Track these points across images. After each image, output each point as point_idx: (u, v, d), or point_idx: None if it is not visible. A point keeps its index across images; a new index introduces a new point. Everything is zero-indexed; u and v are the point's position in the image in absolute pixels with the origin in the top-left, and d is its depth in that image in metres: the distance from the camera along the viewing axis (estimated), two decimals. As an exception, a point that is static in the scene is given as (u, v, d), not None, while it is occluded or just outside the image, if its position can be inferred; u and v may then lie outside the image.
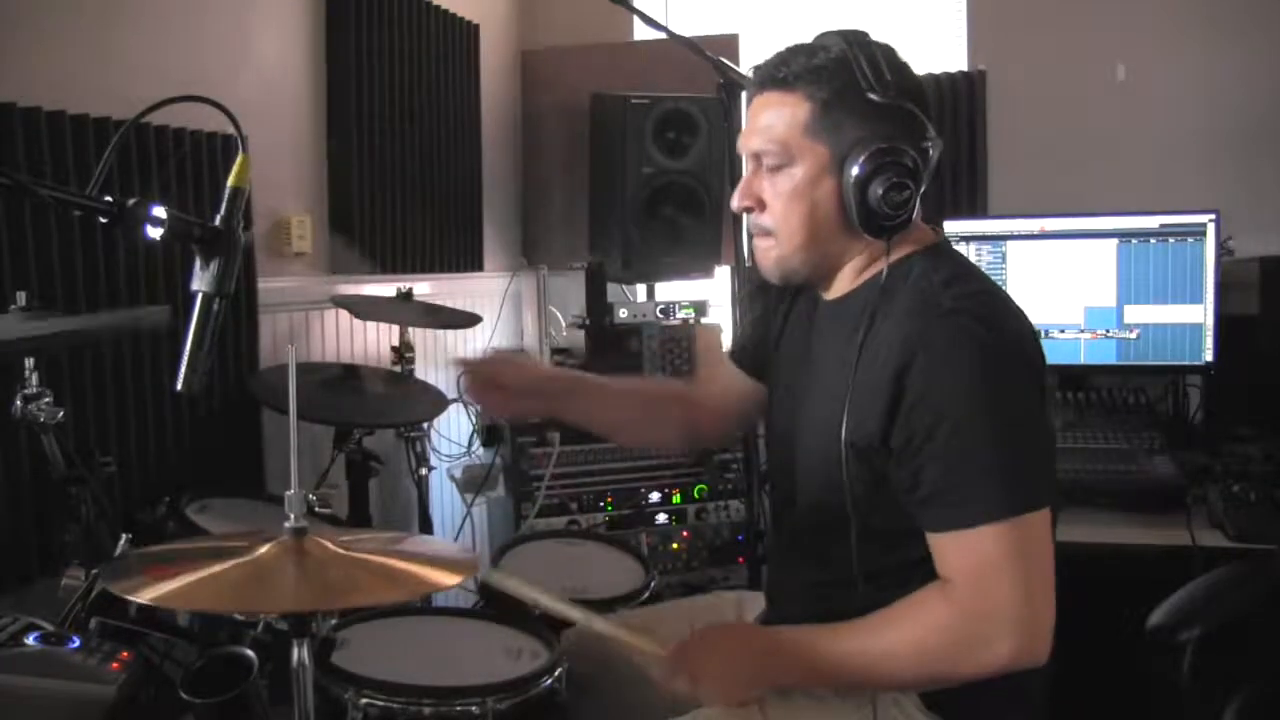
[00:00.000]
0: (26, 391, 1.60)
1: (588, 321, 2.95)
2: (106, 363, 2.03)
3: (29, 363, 1.61)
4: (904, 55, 1.37)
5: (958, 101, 3.15)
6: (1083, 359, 2.55)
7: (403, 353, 2.72)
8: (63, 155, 1.90)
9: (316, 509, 1.95)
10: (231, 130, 1.29)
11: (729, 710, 1.34)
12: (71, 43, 1.98)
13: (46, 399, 1.61)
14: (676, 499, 2.80)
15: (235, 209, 1.22)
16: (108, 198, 1.17)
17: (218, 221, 1.21)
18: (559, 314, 3.20)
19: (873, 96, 1.31)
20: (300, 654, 1.23)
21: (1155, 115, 3.00)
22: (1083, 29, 3.06)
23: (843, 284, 1.43)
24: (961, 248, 2.57)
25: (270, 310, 2.48)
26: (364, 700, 1.39)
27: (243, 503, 2.02)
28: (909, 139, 1.32)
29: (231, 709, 1.28)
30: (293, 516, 1.25)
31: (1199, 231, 2.46)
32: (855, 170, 1.31)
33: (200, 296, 1.20)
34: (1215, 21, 2.93)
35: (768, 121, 1.36)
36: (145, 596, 1.15)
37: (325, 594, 1.21)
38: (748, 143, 1.40)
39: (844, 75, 1.32)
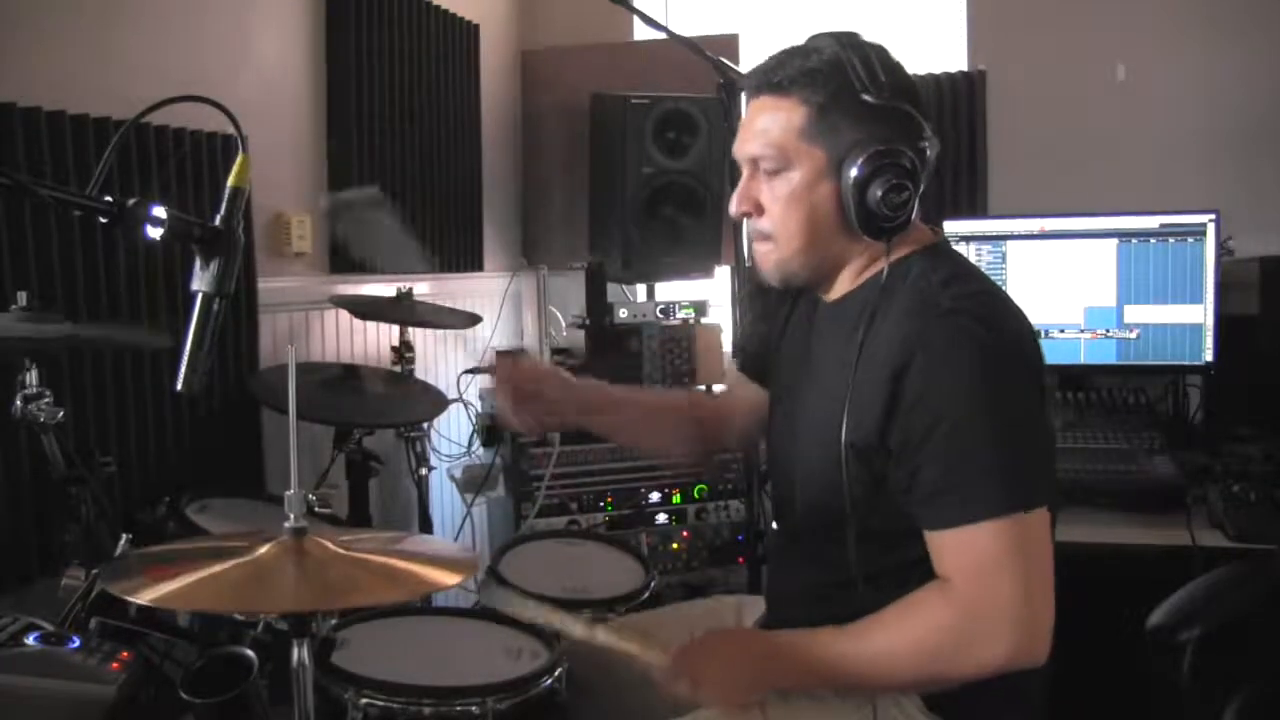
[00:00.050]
0: (26, 391, 1.60)
1: (588, 321, 2.95)
2: (106, 363, 2.03)
3: (29, 362, 1.61)
4: (896, 54, 1.37)
5: (958, 101, 3.15)
6: (1083, 359, 2.55)
7: (403, 353, 2.73)
8: (63, 155, 1.90)
9: (316, 509, 1.95)
10: (231, 130, 1.29)
11: (730, 713, 1.34)
12: (71, 43, 1.98)
13: (46, 399, 1.62)
14: (676, 499, 2.80)
15: (235, 209, 1.23)
16: (108, 198, 1.18)
17: (218, 221, 1.21)
18: (559, 314, 3.20)
19: (868, 98, 1.31)
20: (300, 654, 1.23)
21: (1155, 115, 3.00)
22: (1083, 29, 3.06)
23: (842, 285, 1.44)
24: (961, 248, 2.57)
25: (270, 310, 2.48)
26: (364, 700, 1.38)
27: (243, 503, 2.02)
28: (906, 139, 1.32)
29: (231, 709, 1.29)
30: (293, 516, 1.25)
31: (1199, 231, 2.46)
32: (854, 173, 1.31)
33: (200, 296, 1.20)
34: (1215, 21, 2.93)
35: (763, 126, 1.36)
36: (145, 596, 1.15)
37: (325, 594, 1.21)
38: (744, 148, 1.40)
39: (838, 78, 1.32)
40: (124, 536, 1.63)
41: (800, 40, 1.39)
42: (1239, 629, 1.61)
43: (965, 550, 1.24)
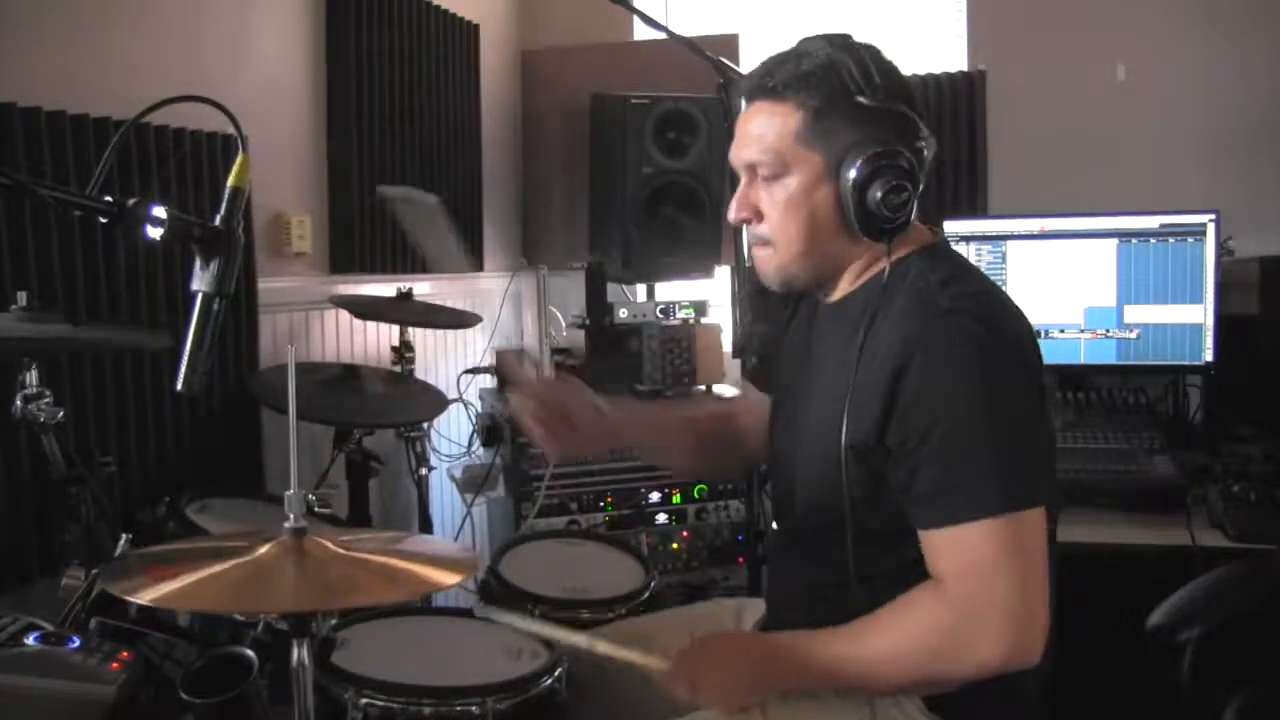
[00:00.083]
0: (26, 391, 1.60)
1: (588, 321, 2.95)
2: (106, 363, 2.03)
3: (29, 362, 1.61)
4: (890, 54, 1.37)
5: (958, 101, 3.15)
6: (1083, 359, 2.55)
7: (403, 353, 2.73)
8: (63, 155, 1.90)
9: (316, 509, 1.95)
10: (231, 130, 1.29)
11: (729, 715, 1.34)
12: (71, 43, 1.98)
13: (46, 399, 1.62)
14: (676, 499, 2.80)
15: (235, 209, 1.23)
16: (108, 198, 1.18)
17: (218, 221, 1.21)
18: (559, 314, 3.20)
19: (863, 100, 1.31)
20: (300, 654, 1.23)
21: (1155, 115, 3.00)
22: (1083, 29, 3.06)
23: (843, 287, 1.43)
24: (961, 248, 2.57)
25: (270, 310, 2.48)
26: (364, 700, 1.38)
27: (243, 503, 2.02)
28: (903, 140, 1.32)
29: (231, 709, 1.29)
30: (293, 516, 1.25)
31: (1199, 231, 2.46)
32: (852, 175, 1.31)
33: (200, 296, 1.20)
34: (1215, 21, 2.93)
35: (759, 132, 1.36)
36: (145, 597, 1.15)
37: (325, 594, 1.21)
38: (740, 154, 1.39)
39: (833, 81, 1.32)
40: (124, 536, 1.63)
41: (805, 39, 1.39)
42: (1239, 629, 1.61)
43: (961, 550, 1.23)
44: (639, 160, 2.97)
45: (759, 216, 1.39)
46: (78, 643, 1.38)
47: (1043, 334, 2.51)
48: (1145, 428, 2.39)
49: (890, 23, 3.31)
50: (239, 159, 1.24)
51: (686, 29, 2.63)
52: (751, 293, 1.88)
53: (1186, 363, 2.50)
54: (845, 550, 1.31)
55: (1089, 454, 2.30)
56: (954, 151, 3.11)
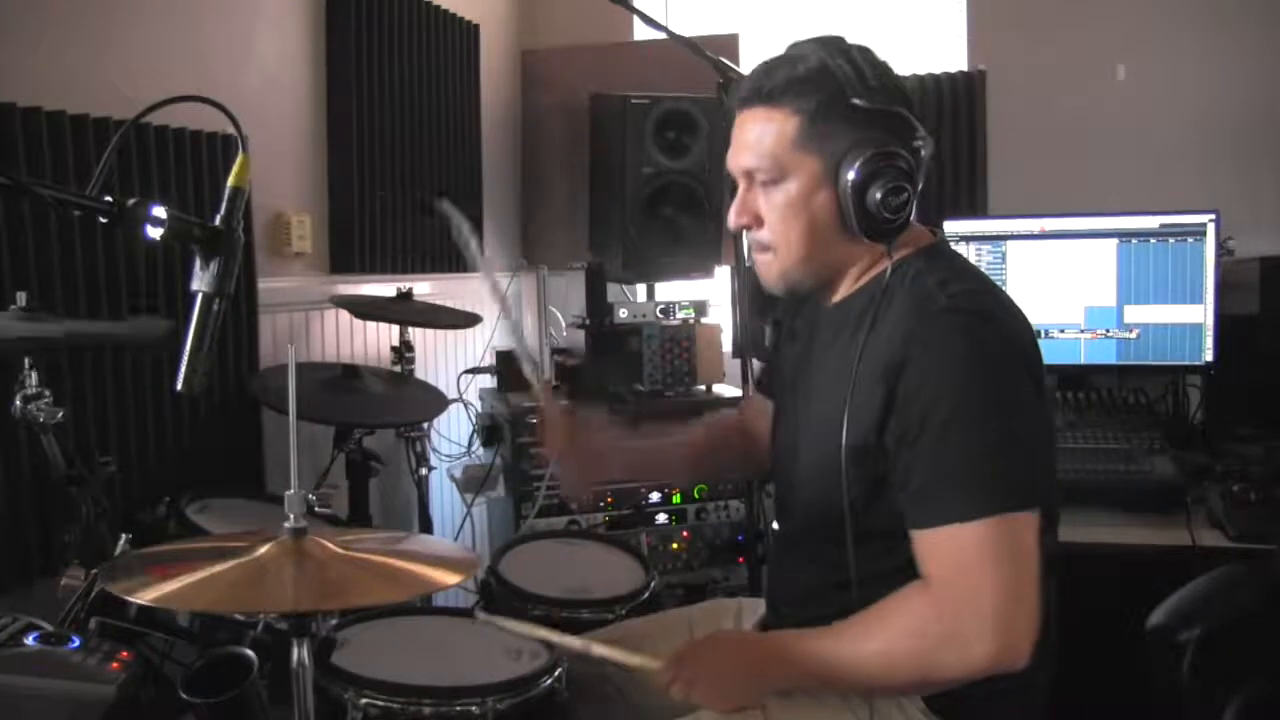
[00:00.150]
0: (26, 391, 1.60)
1: (588, 321, 2.95)
2: (106, 363, 2.03)
3: (29, 362, 1.61)
4: (882, 54, 1.37)
5: (958, 101, 3.15)
6: (1083, 359, 2.55)
7: (403, 353, 2.72)
8: (63, 155, 1.90)
9: (316, 509, 1.95)
10: (231, 130, 1.29)
11: (727, 715, 1.34)
12: (71, 43, 1.98)
13: (46, 399, 1.61)
14: (676, 499, 2.80)
15: (235, 209, 1.22)
16: (108, 198, 1.18)
17: (218, 221, 1.21)
18: (559, 314, 3.20)
19: (858, 102, 1.30)
20: (300, 654, 1.23)
21: (1155, 115, 3.00)
22: (1083, 29, 3.06)
23: (843, 289, 1.44)
24: (961, 248, 2.57)
25: (270, 310, 2.48)
26: (364, 700, 1.38)
27: (243, 503, 2.02)
28: (899, 141, 1.32)
29: (231, 709, 1.29)
30: (292, 516, 1.25)
31: (1199, 231, 2.46)
32: (851, 177, 1.30)
33: (200, 296, 1.20)
34: (1215, 21, 2.93)
35: (756, 138, 1.36)
36: (145, 596, 1.15)
37: (325, 594, 1.21)
38: (738, 160, 1.39)
39: (828, 85, 1.31)
40: (124, 536, 1.63)
41: (796, 43, 1.39)
42: (1239, 629, 1.60)
43: (950, 550, 1.22)
44: (639, 160, 2.97)
45: (759, 222, 1.39)
46: (78, 643, 1.38)
47: (1043, 334, 2.51)
48: (1145, 428, 2.39)
49: (890, 23, 3.31)
50: (239, 159, 1.24)
51: (686, 29, 2.63)
52: (753, 295, 1.88)
53: (1186, 363, 2.50)
54: (845, 551, 1.30)
55: (1089, 454, 2.30)
56: (954, 151, 3.11)
